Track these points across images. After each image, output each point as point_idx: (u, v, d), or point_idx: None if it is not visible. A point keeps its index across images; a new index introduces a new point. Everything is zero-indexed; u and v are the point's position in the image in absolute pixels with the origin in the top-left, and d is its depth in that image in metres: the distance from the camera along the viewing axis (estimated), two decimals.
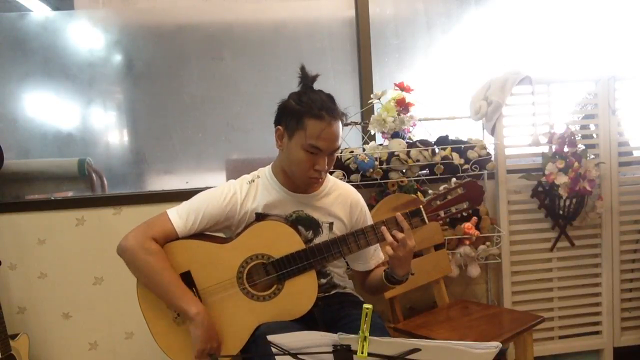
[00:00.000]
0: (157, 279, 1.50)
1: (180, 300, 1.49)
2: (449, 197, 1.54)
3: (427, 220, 1.52)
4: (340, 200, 1.67)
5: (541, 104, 2.38)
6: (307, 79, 1.57)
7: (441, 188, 1.56)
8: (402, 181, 2.23)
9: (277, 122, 1.57)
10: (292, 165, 1.55)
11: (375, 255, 1.72)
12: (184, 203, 1.60)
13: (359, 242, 1.54)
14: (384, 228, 1.51)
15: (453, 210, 1.55)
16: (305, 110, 1.48)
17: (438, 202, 1.54)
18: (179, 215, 1.56)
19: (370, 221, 1.72)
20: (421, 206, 1.52)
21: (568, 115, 2.42)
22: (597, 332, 2.50)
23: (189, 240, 1.56)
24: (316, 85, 1.58)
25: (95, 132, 2.46)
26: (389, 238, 1.48)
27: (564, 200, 2.29)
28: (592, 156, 2.39)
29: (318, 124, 1.47)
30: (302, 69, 1.58)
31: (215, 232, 1.64)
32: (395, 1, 2.57)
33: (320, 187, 1.64)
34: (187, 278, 1.55)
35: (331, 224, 1.64)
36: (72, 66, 2.41)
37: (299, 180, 1.57)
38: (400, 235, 1.48)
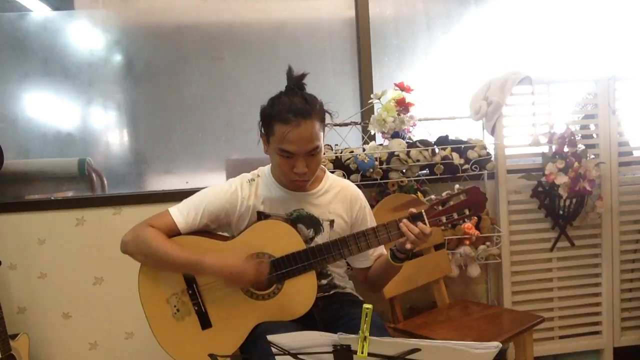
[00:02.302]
0: (162, 252, 1.51)
1: (192, 263, 1.50)
2: (451, 203, 1.54)
3: (428, 225, 1.52)
4: (340, 197, 1.67)
5: (541, 104, 2.38)
6: (293, 80, 1.54)
7: (444, 194, 1.56)
8: (402, 181, 2.23)
9: (260, 128, 1.57)
10: (274, 168, 1.60)
11: (377, 251, 1.72)
12: (185, 200, 1.61)
13: (360, 245, 1.54)
14: (403, 224, 1.49)
15: (455, 216, 1.54)
16: (273, 115, 1.49)
17: (440, 208, 1.54)
18: (179, 212, 1.57)
19: (370, 217, 1.73)
20: (423, 211, 1.52)
21: (568, 115, 2.42)
22: (597, 332, 2.50)
23: (191, 237, 1.57)
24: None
25: (95, 132, 2.46)
26: (411, 236, 1.48)
27: (564, 200, 2.29)
28: (592, 156, 2.39)
29: (283, 128, 1.46)
30: (289, 70, 1.55)
31: (216, 229, 1.65)
32: (395, 1, 2.57)
33: (318, 185, 1.65)
34: (187, 274, 1.56)
35: (332, 221, 1.64)
36: (72, 66, 2.41)
37: (285, 182, 1.59)
38: (417, 230, 1.48)
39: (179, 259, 1.51)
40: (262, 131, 1.55)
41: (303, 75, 1.53)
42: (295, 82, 1.53)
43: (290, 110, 1.46)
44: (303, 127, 1.46)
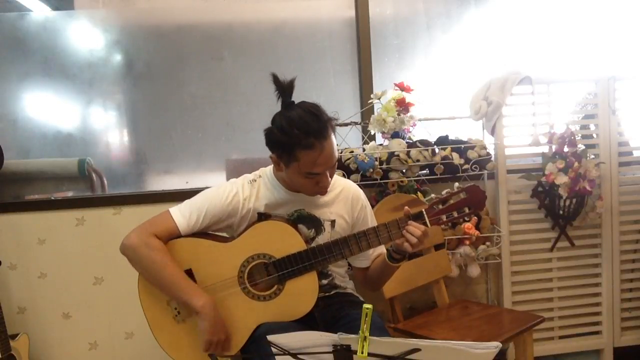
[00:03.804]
0: (160, 274, 1.50)
1: (185, 293, 1.50)
2: (451, 202, 1.54)
3: (429, 224, 1.52)
4: (342, 197, 1.67)
5: (541, 104, 2.38)
6: (284, 90, 1.49)
7: (444, 192, 1.56)
8: (402, 181, 2.23)
9: (269, 148, 1.53)
10: (295, 186, 1.57)
11: (377, 251, 1.72)
12: (187, 201, 1.60)
13: (361, 244, 1.54)
14: (404, 231, 1.48)
15: (455, 214, 1.54)
16: (293, 142, 1.43)
17: (440, 206, 1.54)
18: (181, 214, 1.57)
19: (371, 216, 1.73)
20: (423, 210, 1.52)
21: (568, 115, 2.42)
22: (597, 332, 2.50)
23: (191, 238, 1.57)
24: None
25: (95, 132, 2.46)
26: (413, 239, 1.47)
27: (564, 200, 2.29)
28: (592, 156, 2.39)
29: (310, 155, 1.44)
30: (275, 77, 1.48)
31: (217, 231, 1.64)
32: (395, 1, 2.57)
33: None
34: (188, 275, 1.55)
35: (333, 221, 1.64)
36: (72, 66, 2.41)
37: (307, 195, 1.59)
38: (419, 233, 1.47)
39: (174, 286, 1.50)
40: (277, 155, 1.51)
41: (292, 81, 1.49)
42: (289, 90, 1.49)
43: (310, 134, 1.42)
44: (327, 147, 1.45)
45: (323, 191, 1.56)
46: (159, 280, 1.52)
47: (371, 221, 1.71)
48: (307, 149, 1.43)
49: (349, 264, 1.79)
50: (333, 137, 1.49)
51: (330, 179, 1.53)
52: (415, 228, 1.47)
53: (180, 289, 1.50)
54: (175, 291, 1.51)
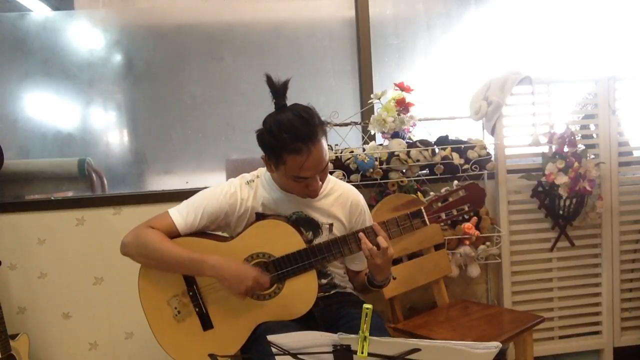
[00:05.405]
0: (162, 253, 1.51)
1: (194, 262, 1.50)
2: (450, 199, 1.54)
3: (428, 222, 1.52)
4: (341, 201, 1.67)
5: (541, 104, 2.39)
6: (277, 92, 1.48)
7: (443, 190, 1.56)
8: (402, 181, 2.23)
9: (261, 149, 1.53)
10: (286, 188, 1.58)
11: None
12: (184, 201, 1.61)
13: (360, 243, 1.54)
14: (361, 234, 1.50)
15: (454, 212, 1.54)
16: (281, 146, 1.43)
17: (439, 204, 1.54)
18: (179, 213, 1.57)
19: (370, 222, 1.72)
20: (422, 208, 1.52)
21: (568, 115, 2.42)
22: (597, 332, 2.50)
23: (191, 238, 1.57)
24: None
25: (95, 132, 2.46)
26: (368, 245, 1.48)
27: (564, 200, 2.29)
28: (592, 156, 2.39)
29: (297, 158, 1.43)
30: (269, 79, 1.47)
31: (215, 230, 1.65)
32: (395, 1, 2.57)
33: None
34: (188, 275, 1.56)
35: (331, 225, 1.64)
36: (72, 66, 2.41)
37: (299, 196, 1.58)
38: (384, 243, 1.47)
39: (180, 258, 1.51)
40: (267, 156, 1.51)
41: (286, 82, 1.48)
42: (282, 92, 1.48)
43: (298, 138, 1.41)
44: (315, 152, 1.44)
45: (313, 194, 1.55)
46: (165, 261, 1.52)
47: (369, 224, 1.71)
48: (294, 153, 1.42)
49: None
50: (324, 141, 1.47)
51: (321, 182, 1.52)
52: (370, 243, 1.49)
53: (189, 257, 1.50)
54: (182, 264, 1.51)
